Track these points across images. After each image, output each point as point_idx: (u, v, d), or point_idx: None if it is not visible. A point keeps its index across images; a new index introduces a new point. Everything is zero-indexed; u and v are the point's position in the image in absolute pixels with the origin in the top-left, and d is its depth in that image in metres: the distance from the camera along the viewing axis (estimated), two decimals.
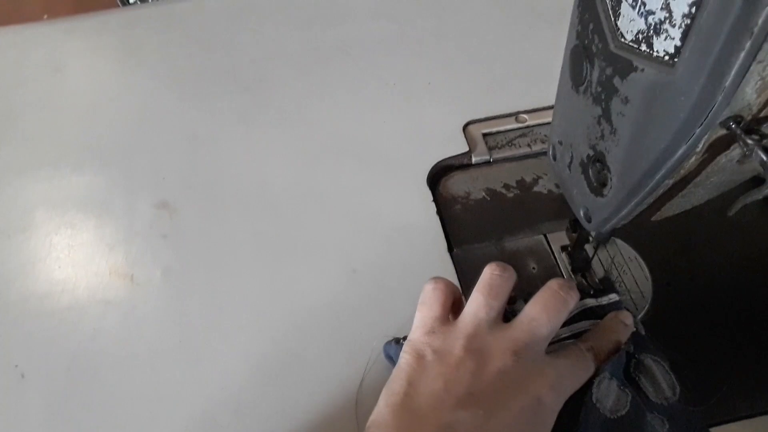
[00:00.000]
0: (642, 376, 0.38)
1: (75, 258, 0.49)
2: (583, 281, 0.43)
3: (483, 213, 0.51)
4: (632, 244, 0.48)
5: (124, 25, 0.68)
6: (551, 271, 0.47)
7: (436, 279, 0.39)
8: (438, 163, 0.54)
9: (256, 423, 0.40)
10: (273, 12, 0.69)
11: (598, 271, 0.46)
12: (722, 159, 0.26)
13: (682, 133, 0.25)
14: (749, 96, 0.23)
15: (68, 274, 0.48)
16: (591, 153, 0.33)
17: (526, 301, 0.41)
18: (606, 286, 0.43)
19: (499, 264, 0.38)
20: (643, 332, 0.41)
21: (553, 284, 0.37)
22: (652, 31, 0.25)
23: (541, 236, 0.49)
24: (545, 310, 0.36)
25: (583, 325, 0.40)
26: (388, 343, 0.41)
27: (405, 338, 0.40)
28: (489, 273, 0.38)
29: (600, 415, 0.36)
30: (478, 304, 0.36)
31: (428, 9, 0.68)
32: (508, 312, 0.41)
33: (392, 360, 0.40)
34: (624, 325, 0.39)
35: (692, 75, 0.23)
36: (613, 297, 0.41)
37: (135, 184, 0.53)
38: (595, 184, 0.33)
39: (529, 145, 0.55)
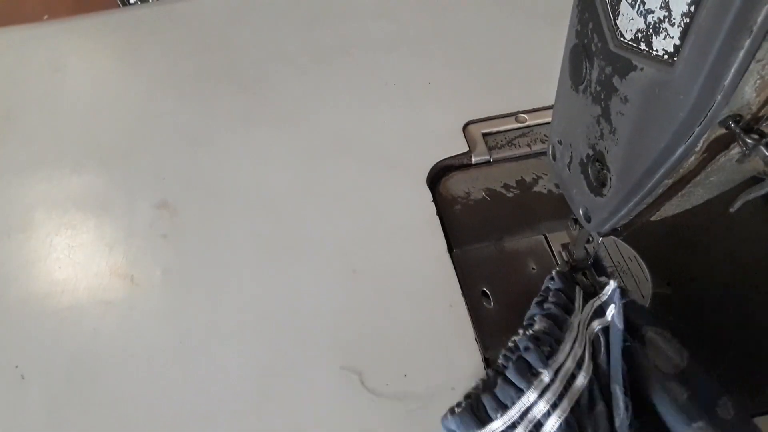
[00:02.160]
0: (648, 350, 0.38)
1: (75, 258, 0.49)
2: (584, 279, 0.43)
3: (483, 213, 0.51)
4: (632, 244, 0.48)
5: (124, 25, 0.68)
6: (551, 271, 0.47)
7: None
8: (438, 163, 0.54)
9: (255, 423, 0.40)
10: (273, 12, 0.69)
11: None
12: (721, 158, 0.26)
13: (681, 132, 0.25)
14: (748, 95, 0.23)
15: (68, 274, 0.48)
16: (590, 152, 0.33)
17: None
18: (599, 271, 0.43)
19: None
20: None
21: None
22: (651, 30, 0.25)
23: (541, 236, 0.49)
24: None
25: (586, 313, 0.41)
26: (445, 416, 0.39)
27: (458, 405, 0.39)
28: None
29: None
30: None
31: (428, 9, 0.68)
32: (532, 337, 0.40)
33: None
34: None
35: (691, 74, 0.23)
36: (610, 285, 0.42)
37: (135, 184, 0.53)
38: (594, 184, 0.33)
39: (528, 145, 0.55)
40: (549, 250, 0.48)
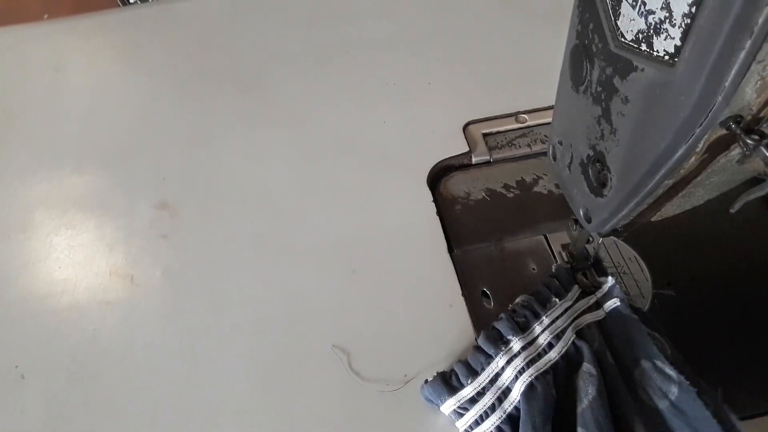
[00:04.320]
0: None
1: (75, 258, 0.49)
2: (584, 279, 0.43)
3: (483, 213, 0.51)
4: (632, 244, 0.48)
5: (124, 25, 0.68)
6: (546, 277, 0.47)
7: None
8: (438, 163, 0.54)
9: (255, 423, 0.40)
10: (273, 12, 0.68)
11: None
12: (722, 159, 0.26)
13: (682, 132, 0.25)
14: (749, 96, 0.23)
15: (68, 274, 0.48)
16: (591, 153, 0.33)
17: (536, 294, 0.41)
18: (599, 271, 0.43)
19: None
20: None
21: None
22: (652, 31, 0.25)
23: (541, 236, 0.49)
24: None
25: (581, 305, 0.41)
26: (421, 387, 0.40)
27: (441, 373, 0.40)
28: None
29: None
30: None
31: (428, 9, 0.68)
32: (510, 311, 0.41)
33: (431, 401, 0.39)
34: None
35: (692, 75, 0.23)
36: (608, 283, 0.42)
37: (135, 184, 0.53)
38: (595, 184, 0.33)
39: (529, 146, 0.55)
40: (549, 250, 0.48)
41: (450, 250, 0.48)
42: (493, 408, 0.37)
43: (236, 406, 0.41)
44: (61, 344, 0.44)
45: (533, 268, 0.47)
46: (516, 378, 0.37)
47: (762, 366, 0.42)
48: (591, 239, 0.41)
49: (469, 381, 0.38)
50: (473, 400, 0.38)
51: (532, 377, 0.37)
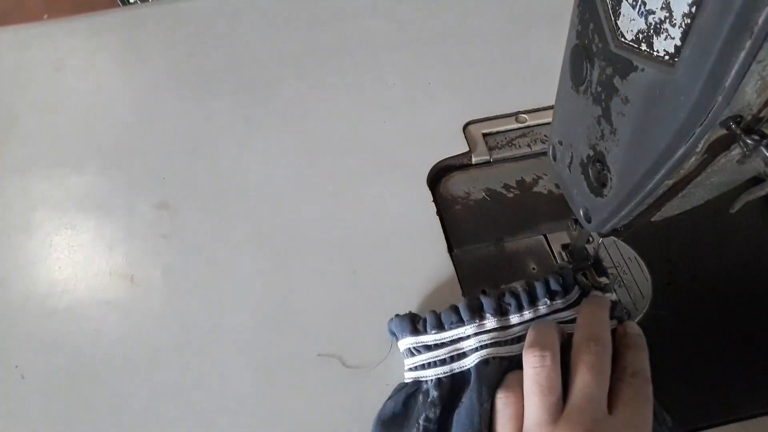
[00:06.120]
0: None
1: (75, 258, 0.49)
2: (584, 279, 0.43)
3: (483, 213, 0.51)
4: (632, 244, 0.48)
5: (124, 25, 0.68)
6: (551, 272, 0.47)
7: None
8: (438, 163, 0.54)
9: (255, 423, 0.40)
10: (273, 12, 0.68)
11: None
12: (722, 159, 0.26)
13: (682, 133, 0.25)
14: (749, 96, 0.23)
15: (68, 274, 0.48)
16: (591, 153, 0.33)
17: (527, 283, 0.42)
18: (599, 271, 0.44)
19: (536, 347, 0.36)
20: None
21: (583, 346, 0.36)
22: (652, 31, 0.25)
23: (541, 236, 0.49)
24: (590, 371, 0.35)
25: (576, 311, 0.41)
26: (390, 320, 0.42)
27: (411, 314, 0.42)
28: (531, 368, 0.36)
29: None
30: (536, 409, 0.35)
31: (428, 9, 0.68)
32: (500, 291, 0.41)
33: (393, 335, 0.42)
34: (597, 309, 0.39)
35: (692, 75, 0.23)
36: (611, 296, 0.42)
37: (135, 185, 0.53)
38: (594, 184, 0.33)
39: (529, 145, 0.55)
40: (549, 250, 0.48)
41: (450, 250, 0.48)
42: (443, 362, 0.39)
43: (236, 406, 0.41)
44: (61, 344, 0.44)
45: (533, 268, 0.47)
46: (476, 350, 0.39)
47: (762, 366, 0.42)
48: (591, 239, 0.41)
49: (434, 332, 0.40)
50: (429, 348, 0.40)
51: (490, 356, 0.39)
